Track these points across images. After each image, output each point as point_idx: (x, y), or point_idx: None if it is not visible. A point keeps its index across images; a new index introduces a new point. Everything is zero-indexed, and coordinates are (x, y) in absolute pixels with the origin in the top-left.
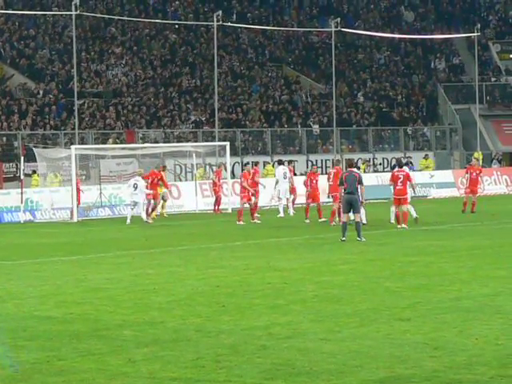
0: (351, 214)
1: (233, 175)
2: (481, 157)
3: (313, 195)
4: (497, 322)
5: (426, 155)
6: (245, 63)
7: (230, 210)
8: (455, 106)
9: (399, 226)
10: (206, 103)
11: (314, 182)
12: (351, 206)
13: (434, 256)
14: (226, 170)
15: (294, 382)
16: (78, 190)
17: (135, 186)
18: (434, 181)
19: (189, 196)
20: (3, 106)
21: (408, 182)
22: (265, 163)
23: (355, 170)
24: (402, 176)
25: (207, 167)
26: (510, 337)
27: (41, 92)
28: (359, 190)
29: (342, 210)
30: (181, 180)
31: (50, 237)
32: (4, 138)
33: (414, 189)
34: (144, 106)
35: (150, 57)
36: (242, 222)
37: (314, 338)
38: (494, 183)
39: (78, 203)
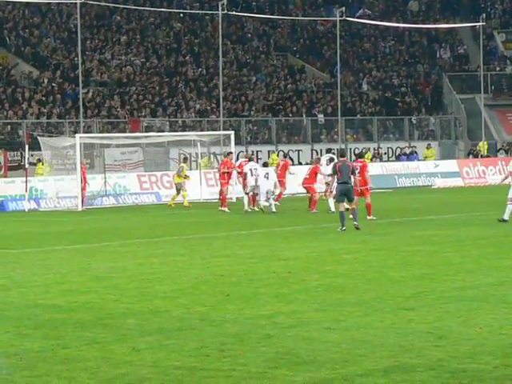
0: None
1: None
2: (486, 146)
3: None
4: (501, 312)
5: (429, 145)
6: (250, 52)
7: (234, 199)
8: (460, 95)
9: (369, 218)
10: (211, 92)
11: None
12: (345, 195)
13: (438, 246)
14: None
15: (298, 371)
16: (85, 179)
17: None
18: (439, 170)
19: (193, 185)
20: (8, 95)
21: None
22: (269, 152)
23: (348, 159)
24: (359, 167)
25: (212, 156)
26: None
27: (45, 81)
28: (352, 179)
29: (336, 199)
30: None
31: (54, 225)
32: (9, 127)
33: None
34: (149, 94)
35: (155, 46)
36: (225, 209)
37: (319, 327)
38: (498, 173)
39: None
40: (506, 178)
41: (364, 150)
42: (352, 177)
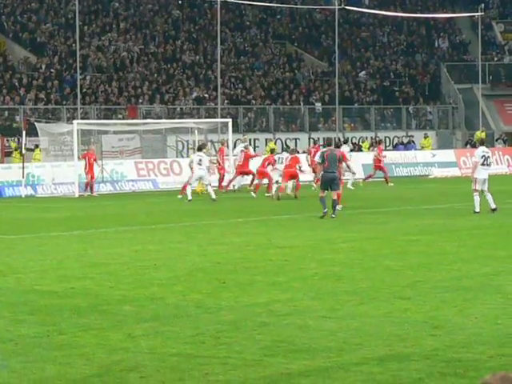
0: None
1: None
2: (484, 136)
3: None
4: (497, 302)
5: (426, 134)
6: (248, 40)
7: (231, 187)
8: (458, 85)
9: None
10: (209, 80)
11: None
12: (330, 184)
13: (434, 235)
14: (227, 147)
15: (294, 359)
16: (91, 164)
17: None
18: (436, 160)
19: (190, 172)
20: (5, 81)
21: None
22: (267, 140)
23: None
24: None
25: (209, 144)
26: (510, 316)
27: (43, 66)
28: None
29: (320, 186)
30: (183, 156)
31: (51, 211)
32: (6, 113)
33: (349, 168)
34: (147, 81)
35: (153, 32)
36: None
37: (315, 316)
38: (495, 163)
39: (93, 178)
40: (474, 167)
41: (362, 140)
42: (339, 166)
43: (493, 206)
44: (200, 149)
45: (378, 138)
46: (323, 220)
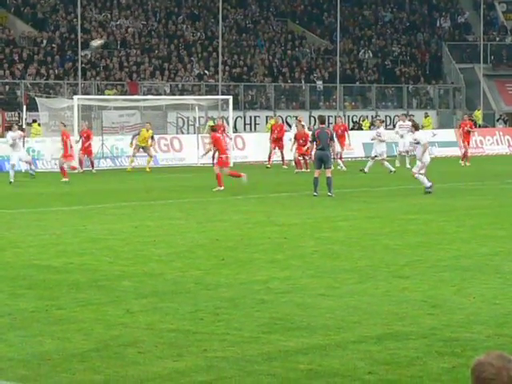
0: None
1: (235, 129)
2: (480, 115)
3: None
4: (495, 282)
5: (426, 113)
6: (249, 17)
7: (231, 164)
8: (459, 65)
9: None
10: (210, 56)
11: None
12: (322, 162)
13: (433, 214)
14: (228, 123)
15: (292, 337)
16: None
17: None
18: (437, 140)
19: (190, 149)
20: (6, 55)
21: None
22: (267, 118)
23: (326, 126)
24: None
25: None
26: (508, 296)
27: (44, 41)
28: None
29: (314, 165)
30: (183, 133)
31: (50, 186)
32: (7, 87)
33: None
34: (147, 57)
35: (155, 8)
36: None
37: (313, 294)
38: (496, 143)
39: (84, 153)
40: (424, 151)
41: (362, 118)
42: (331, 143)
43: (428, 185)
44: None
45: (469, 113)
46: (322, 198)
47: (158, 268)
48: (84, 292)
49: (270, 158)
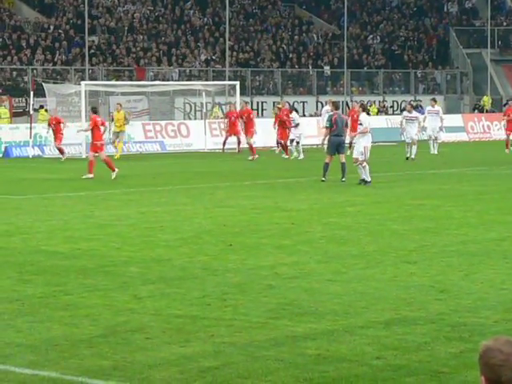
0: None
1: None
2: (490, 101)
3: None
4: (503, 267)
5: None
6: (256, 3)
7: (237, 150)
8: (467, 50)
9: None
10: (217, 42)
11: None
12: (338, 147)
13: (441, 200)
14: (235, 108)
15: (300, 322)
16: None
17: None
18: (444, 125)
19: (198, 135)
20: (14, 41)
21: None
22: (274, 103)
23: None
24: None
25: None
26: None
27: (51, 27)
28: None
29: (327, 151)
30: (190, 118)
31: (58, 172)
32: (14, 73)
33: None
34: (155, 43)
35: None
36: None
37: (320, 279)
38: (503, 128)
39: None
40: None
41: (369, 103)
42: (345, 129)
43: (368, 178)
44: None
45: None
46: (330, 183)
47: (166, 254)
48: (91, 278)
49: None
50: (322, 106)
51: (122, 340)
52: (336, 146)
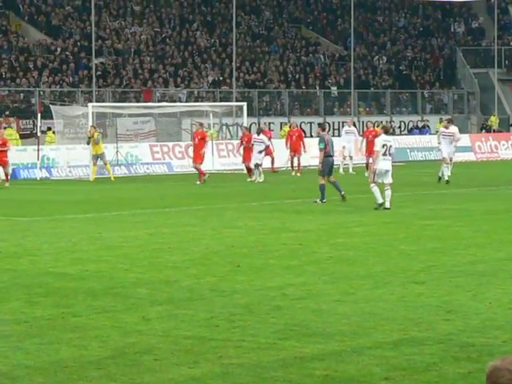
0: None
1: None
2: (497, 121)
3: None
4: (511, 287)
5: (441, 119)
6: (263, 24)
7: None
8: (473, 69)
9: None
10: (224, 63)
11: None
12: (331, 168)
13: (449, 220)
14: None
15: (308, 343)
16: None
17: None
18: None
19: (205, 156)
20: (21, 63)
21: None
22: (282, 124)
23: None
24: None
25: (224, 128)
26: None
27: (58, 49)
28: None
29: (321, 172)
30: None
31: (65, 194)
32: (21, 95)
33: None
34: (161, 64)
35: (169, 15)
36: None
37: (328, 300)
38: (510, 148)
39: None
40: (375, 158)
41: (376, 123)
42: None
43: (387, 204)
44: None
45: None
46: (337, 204)
47: (174, 275)
48: (100, 299)
49: (293, 165)
50: (329, 127)
51: (131, 361)
52: (330, 166)
